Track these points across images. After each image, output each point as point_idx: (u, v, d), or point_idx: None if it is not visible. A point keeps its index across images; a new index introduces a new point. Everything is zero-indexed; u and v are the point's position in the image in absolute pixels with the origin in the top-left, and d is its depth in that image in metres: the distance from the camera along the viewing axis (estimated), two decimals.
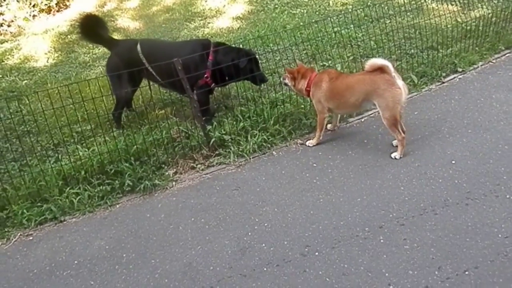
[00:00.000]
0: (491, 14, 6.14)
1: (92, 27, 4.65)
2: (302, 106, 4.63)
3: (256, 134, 4.30)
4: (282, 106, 4.58)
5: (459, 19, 6.34)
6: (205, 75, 4.39)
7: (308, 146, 4.20)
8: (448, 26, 5.83)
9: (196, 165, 4.16)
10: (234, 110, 4.59)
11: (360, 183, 3.61)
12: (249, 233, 3.27)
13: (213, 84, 4.51)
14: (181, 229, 3.44)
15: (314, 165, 3.94)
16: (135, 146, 4.12)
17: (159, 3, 8.41)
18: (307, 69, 4.28)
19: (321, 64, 5.57)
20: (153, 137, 4.23)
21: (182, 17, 8.02)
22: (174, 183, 4.00)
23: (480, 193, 3.29)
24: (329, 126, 4.42)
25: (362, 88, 3.84)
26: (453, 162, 3.67)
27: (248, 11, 8.05)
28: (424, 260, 2.83)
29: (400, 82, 3.73)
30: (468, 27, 5.92)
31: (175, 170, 4.14)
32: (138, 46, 4.41)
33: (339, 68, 5.38)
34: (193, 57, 4.28)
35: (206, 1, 8.65)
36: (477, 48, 5.50)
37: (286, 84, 4.40)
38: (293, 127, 4.42)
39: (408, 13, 6.87)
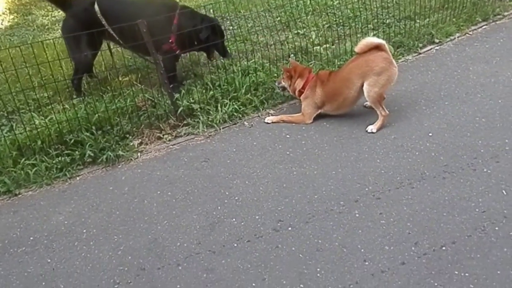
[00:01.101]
0: None
1: None
2: (275, 74, 4.42)
3: (227, 103, 4.08)
4: (254, 75, 4.36)
5: None
6: (170, 40, 4.11)
7: (266, 123, 3.98)
8: None
9: (163, 135, 3.92)
10: (203, 78, 4.34)
11: (335, 155, 3.47)
12: (219, 207, 3.10)
13: (178, 51, 4.23)
14: (146, 203, 3.22)
15: (287, 136, 3.77)
16: (96, 115, 3.84)
17: None
18: (304, 68, 4.04)
19: (295, 32, 5.34)
20: (117, 105, 3.96)
21: None
22: (139, 154, 3.77)
23: (458, 167, 3.19)
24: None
25: (358, 74, 3.67)
26: (430, 134, 3.57)
27: None
28: (400, 235, 2.72)
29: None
30: None
31: (140, 140, 3.89)
32: (96, 6, 4.03)
33: (313, 36, 5.18)
34: (157, 19, 3.93)
35: None
36: (454, 19, 5.38)
37: (283, 88, 4.14)
38: (266, 97, 4.23)
39: None
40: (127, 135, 3.89)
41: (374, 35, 5.05)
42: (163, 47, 4.08)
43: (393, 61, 3.67)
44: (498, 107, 3.80)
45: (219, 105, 4.08)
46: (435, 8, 5.58)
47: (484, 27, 5.39)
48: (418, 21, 5.33)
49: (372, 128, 3.70)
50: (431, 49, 4.94)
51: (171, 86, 4.02)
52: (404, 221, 2.81)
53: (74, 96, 4.25)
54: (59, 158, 3.62)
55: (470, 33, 5.25)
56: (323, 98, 3.85)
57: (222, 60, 4.58)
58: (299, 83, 3.96)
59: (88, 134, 3.74)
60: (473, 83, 4.18)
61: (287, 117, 3.96)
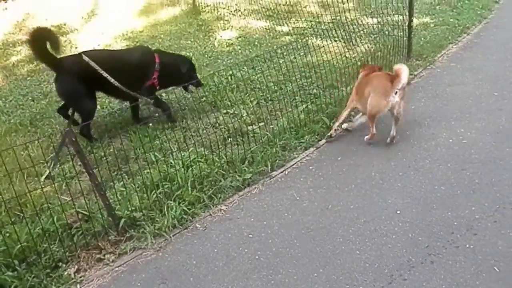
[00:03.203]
0: (374, 49, 6.32)
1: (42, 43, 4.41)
2: (218, 163, 4.06)
3: (173, 205, 3.61)
4: (196, 167, 3.96)
5: (347, 55, 6.41)
6: (153, 76, 4.70)
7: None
8: (340, 62, 5.79)
9: (104, 255, 3.31)
10: (142, 177, 3.83)
11: (310, 252, 3.14)
12: None
13: (158, 86, 4.84)
14: None
15: (250, 236, 3.38)
16: (19, 245, 3.14)
17: (19, 53, 7.18)
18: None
19: (225, 111, 5.08)
20: (41, 227, 3.29)
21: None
22: (78, 285, 3.11)
23: (440, 246, 3.04)
24: (344, 125, 4.62)
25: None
26: (398, 212, 3.41)
27: None
28: None
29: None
30: (359, 63, 5.97)
31: (76, 267, 3.23)
32: (84, 56, 4.45)
33: (244, 115, 4.95)
34: (144, 60, 4.72)
35: (76, 48, 7.69)
36: None
37: None
38: (214, 191, 3.83)
39: (298, 52, 6.80)
40: (59, 263, 3.22)
41: (305, 108, 4.97)
42: (146, 83, 4.71)
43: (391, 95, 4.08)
44: (450, 172, 3.80)
45: (164, 208, 3.59)
46: (353, 75, 5.69)
47: None
48: (342, 88, 5.37)
49: (366, 137, 4.33)
50: (361, 115, 4.94)
51: (167, 113, 4.87)
52: None
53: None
54: None
55: None
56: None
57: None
58: None
59: (10, 272, 3.01)
60: (417, 149, 4.19)
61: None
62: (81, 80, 4.44)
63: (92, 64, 4.42)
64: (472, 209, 3.34)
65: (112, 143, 4.46)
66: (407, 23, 6.21)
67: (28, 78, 6.26)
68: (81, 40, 7.56)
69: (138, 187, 3.77)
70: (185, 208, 3.60)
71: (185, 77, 4.80)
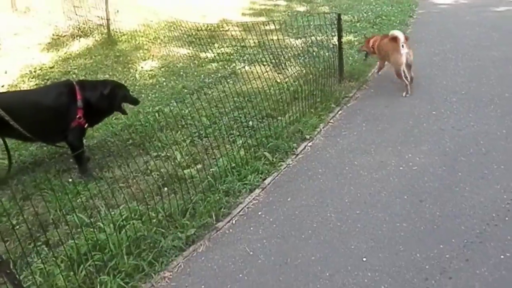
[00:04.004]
0: (304, 72, 6.12)
1: None
2: (155, 220, 3.54)
3: (107, 280, 3.03)
4: (130, 227, 3.41)
5: (278, 80, 6.17)
6: (77, 116, 4.13)
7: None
8: (272, 89, 5.51)
9: None
10: (63, 248, 3.21)
11: None
12: None
13: (86, 124, 4.24)
14: None
15: None
16: None
17: None
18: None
19: (155, 154, 4.56)
20: None
21: None
22: None
23: None
24: None
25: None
26: (364, 259, 3.09)
27: None
28: None
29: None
30: (292, 88, 5.73)
31: None
32: None
33: (178, 157, 4.46)
34: (60, 100, 4.12)
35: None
36: (312, 110, 5.28)
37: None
38: (154, 255, 3.29)
39: (227, 80, 6.44)
40: None
41: (243, 142, 4.58)
42: (71, 125, 4.13)
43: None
44: (409, 206, 3.57)
45: (96, 285, 3.00)
46: (288, 101, 5.43)
47: (339, 112, 5.39)
48: (280, 118, 5.07)
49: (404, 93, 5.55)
50: (305, 147, 4.65)
51: (83, 174, 4.18)
52: None
53: None
54: None
55: (332, 121, 5.17)
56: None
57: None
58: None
59: None
60: (369, 181, 3.94)
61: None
62: None
63: (2, 113, 3.82)
64: (440, 247, 3.10)
65: (24, 206, 3.79)
66: (334, 43, 6.07)
67: None
68: None
69: (61, 262, 3.15)
70: (122, 283, 3.03)
71: (117, 103, 4.45)
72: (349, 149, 4.50)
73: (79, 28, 8.70)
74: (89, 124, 4.31)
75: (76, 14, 8.94)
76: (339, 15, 5.83)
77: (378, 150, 4.39)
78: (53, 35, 8.51)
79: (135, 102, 4.71)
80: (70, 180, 4.17)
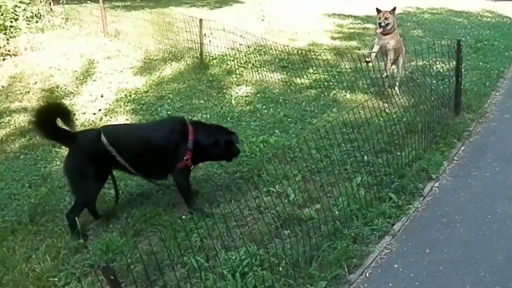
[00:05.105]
0: (414, 102, 5.64)
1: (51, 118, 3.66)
2: (277, 268, 3.18)
3: None
4: (251, 274, 3.07)
5: (387, 110, 5.71)
6: (185, 157, 3.85)
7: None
8: (381, 119, 5.06)
9: None
10: None
11: None
12: None
13: (192, 166, 3.99)
14: None
15: None
16: None
17: (7, 124, 6.20)
18: None
19: (266, 190, 4.23)
20: None
21: (44, 141, 5.81)
22: None
23: None
24: None
25: None
26: None
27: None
28: None
29: None
30: (405, 119, 5.26)
31: None
32: (103, 136, 3.72)
33: (292, 195, 4.11)
34: (172, 138, 3.91)
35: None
36: (433, 146, 4.78)
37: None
38: None
39: (329, 107, 6.10)
40: None
41: (361, 180, 4.17)
42: (178, 166, 3.88)
43: None
44: None
45: None
46: (403, 134, 4.95)
47: (462, 148, 4.86)
48: (397, 153, 4.62)
49: None
50: (432, 188, 4.17)
51: (191, 208, 3.93)
52: None
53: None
54: None
55: (456, 159, 4.65)
56: None
57: None
58: None
59: None
60: None
61: None
62: (93, 160, 3.74)
63: (110, 149, 3.71)
64: None
65: (136, 243, 3.59)
66: (451, 69, 5.57)
67: (21, 157, 5.24)
68: (78, 105, 6.68)
69: None
70: None
71: (227, 155, 4.18)
72: (486, 193, 3.97)
73: (170, 51, 8.70)
74: (194, 164, 4.06)
75: (166, 38, 8.98)
76: (458, 41, 5.34)
77: None
78: (145, 58, 8.55)
79: (237, 153, 4.31)
80: (183, 216, 3.93)
